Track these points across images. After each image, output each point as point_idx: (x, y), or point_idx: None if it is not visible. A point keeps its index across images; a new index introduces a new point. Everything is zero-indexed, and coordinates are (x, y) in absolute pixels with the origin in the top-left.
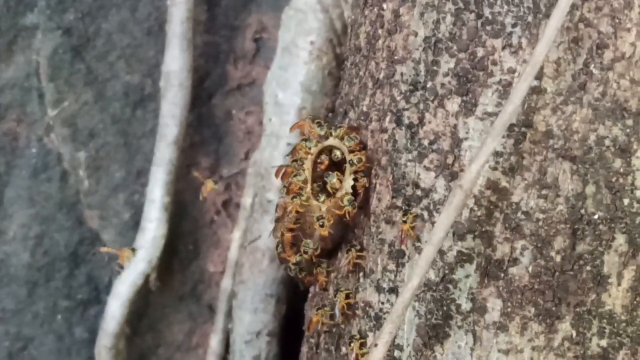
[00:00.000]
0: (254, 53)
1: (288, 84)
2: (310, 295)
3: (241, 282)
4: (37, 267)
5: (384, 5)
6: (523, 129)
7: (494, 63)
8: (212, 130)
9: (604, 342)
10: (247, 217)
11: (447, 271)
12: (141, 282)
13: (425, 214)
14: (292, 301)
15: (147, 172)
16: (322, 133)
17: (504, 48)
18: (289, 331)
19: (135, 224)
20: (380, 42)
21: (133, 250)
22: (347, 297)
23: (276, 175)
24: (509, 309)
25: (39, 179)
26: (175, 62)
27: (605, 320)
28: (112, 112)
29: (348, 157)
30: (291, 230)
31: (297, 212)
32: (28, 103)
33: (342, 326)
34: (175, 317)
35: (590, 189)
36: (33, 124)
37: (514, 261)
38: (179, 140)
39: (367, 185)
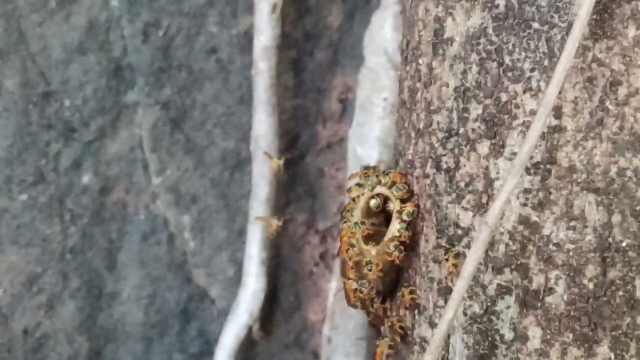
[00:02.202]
0: (340, 113)
1: (366, 139)
2: (382, 333)
3: (334, 327)
4: (151, 325)
5: (420, 61)
6: (548, 166)
7: (517, 107)
8: (306, 188)
9: None
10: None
11: (489, 304)
12: (245, 333)
13: (467, 251)
14: None
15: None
16: (369, 183)
17: (525, 92)
18: None
19: (240, 279)
20: (419, 94)
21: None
22: (400, 321)
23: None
24: (549, 336)
25: (148, 243)
26: (262, 127)
27: None
28: (212, 177)
29: (395, 205)
30: (350, 278)
31: (354, 261)
32: (134, 174)
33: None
34: None
35: (616, 219)
36: (140, 193)
37: (550, 291)
38: (271, 199)
39: (410, 235)
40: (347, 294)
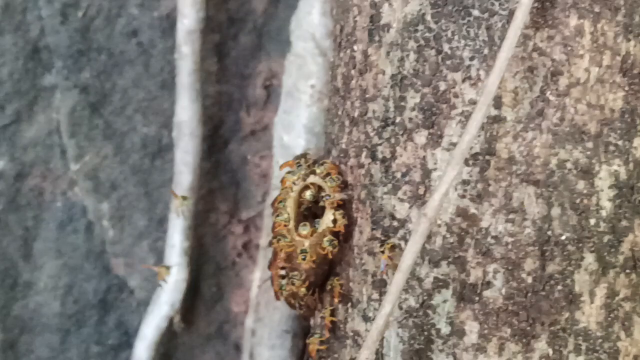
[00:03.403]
0: (265, 99)
1: (292, 127)
2: (311, 327)
3: (258, 319)
4: (68, 315)
5: (355, 47)
6: (487, 157)
7: (456, 95)
8: (229, 176)
9: (581, 359)
10: (265, 256)
11: (425, 297)
12: (165, 324)
13: (403, 243)
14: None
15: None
16: (302, 172)
17: (464, 80)
18: None
19: None
20: (353, 82)
21: (167, 268)
22: (332, 314)
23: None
24: (486, 331)
25: (65, 231)
26: (185, 113)
27: (581, 337)
28: (132, 163)
29: (327, 193)
30: (282, 268)
31: (286, 252)
32: (51, 159)
33: (336, 356)
34: (203, 358)
35: (555, 211)
36: (57, 179)
37: (488, 284)
38: (194, 187)
39: (345, 224)
40: (274, 283)
